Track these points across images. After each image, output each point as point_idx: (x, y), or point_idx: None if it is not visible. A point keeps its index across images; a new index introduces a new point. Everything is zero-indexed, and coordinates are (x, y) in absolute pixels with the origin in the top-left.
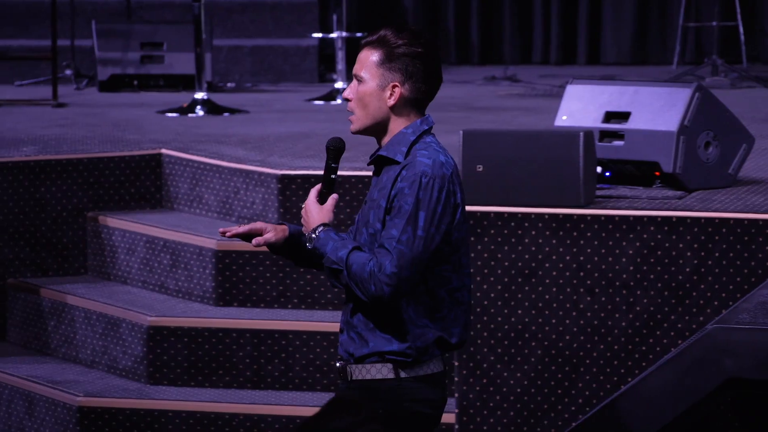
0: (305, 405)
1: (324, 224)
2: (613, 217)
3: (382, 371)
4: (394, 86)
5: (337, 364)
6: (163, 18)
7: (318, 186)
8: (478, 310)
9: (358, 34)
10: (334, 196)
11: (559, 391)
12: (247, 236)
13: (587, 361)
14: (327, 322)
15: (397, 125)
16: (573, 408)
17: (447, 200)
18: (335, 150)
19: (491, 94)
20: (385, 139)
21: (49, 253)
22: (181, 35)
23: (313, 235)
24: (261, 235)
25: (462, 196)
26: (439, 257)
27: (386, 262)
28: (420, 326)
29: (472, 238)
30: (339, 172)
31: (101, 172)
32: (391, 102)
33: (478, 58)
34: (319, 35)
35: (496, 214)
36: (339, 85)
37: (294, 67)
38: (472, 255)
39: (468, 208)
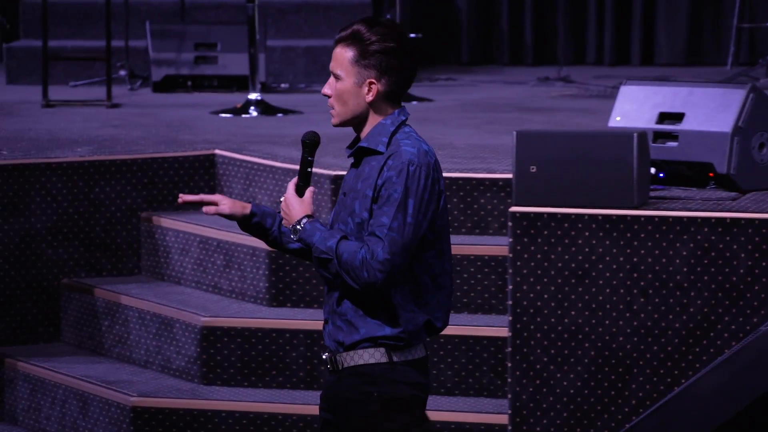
0: None
1: (307, 215)
2: (666, 218)
3: (375, 355)
4: (370, 83)
5: (324, 356)
6: (217, 19)
7: (295, 179)
8: (531, 311)
9: (412, 35)
10: (311, 188)
11: (612, 393)
12: (199, 205)
13: (640, 363)
14: None
15: (375, 117)
16: (626, 409)
17: (433, 187)
18: (311, 144)
19: (545, 95)
20: (365, 130)
21: (103, 253)
22: (234, 36)
23: (298, 227)
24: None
25: (443, 183)
26: (425, 244)
27: (378, 249)
28: (409, 311)
29: (525, 239)
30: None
31: (155, 173)
32: (369, 98)
33: (531, 59)
34: None
35: (550, 214)
36: None
37: None
38: (526, 256)
39: (521, 209)
